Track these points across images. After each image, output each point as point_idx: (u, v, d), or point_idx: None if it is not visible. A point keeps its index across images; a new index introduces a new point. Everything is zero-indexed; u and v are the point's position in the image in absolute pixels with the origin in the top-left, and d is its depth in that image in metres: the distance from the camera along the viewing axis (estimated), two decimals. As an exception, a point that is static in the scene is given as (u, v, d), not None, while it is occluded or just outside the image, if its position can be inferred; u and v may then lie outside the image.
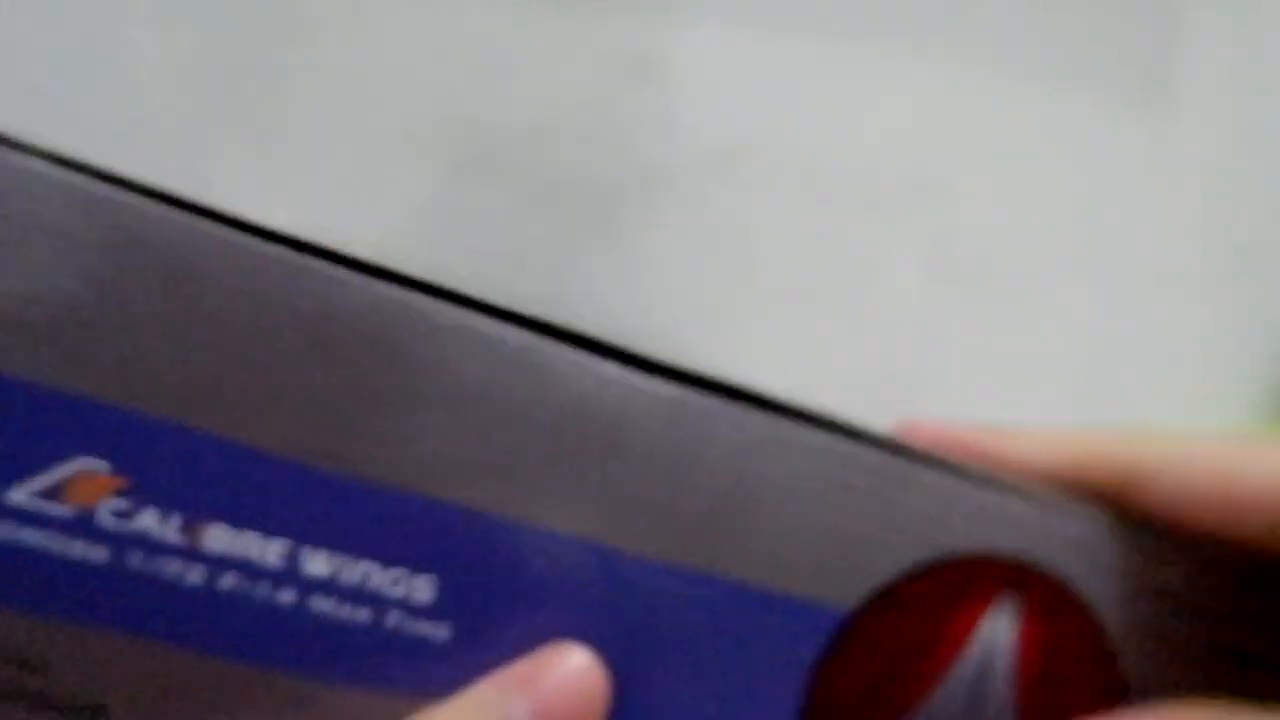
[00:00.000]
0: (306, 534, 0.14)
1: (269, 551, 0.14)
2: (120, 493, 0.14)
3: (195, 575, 0.14)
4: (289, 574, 0.14)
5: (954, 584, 0.17)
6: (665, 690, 0.16)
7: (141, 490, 0.14)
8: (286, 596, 0.14)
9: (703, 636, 0.16)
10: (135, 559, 0.14)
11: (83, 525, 0.13)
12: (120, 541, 0.14)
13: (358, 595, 0.14)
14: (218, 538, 0.14)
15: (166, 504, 0.14)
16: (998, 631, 0.17)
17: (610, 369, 0.15)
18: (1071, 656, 0.17)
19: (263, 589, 0.14)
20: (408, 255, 0.40)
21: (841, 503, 0.16)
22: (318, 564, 0.14)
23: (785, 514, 0.16)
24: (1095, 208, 0.52)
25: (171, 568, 0.14)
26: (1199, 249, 0.55)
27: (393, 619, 0.15)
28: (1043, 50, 0.49)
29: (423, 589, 0.15)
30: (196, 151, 0.35)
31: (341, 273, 0.14)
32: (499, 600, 0.15)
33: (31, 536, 0.13)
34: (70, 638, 0.14)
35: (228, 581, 0.14)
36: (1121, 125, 0.52)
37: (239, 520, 0.14)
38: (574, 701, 0.15)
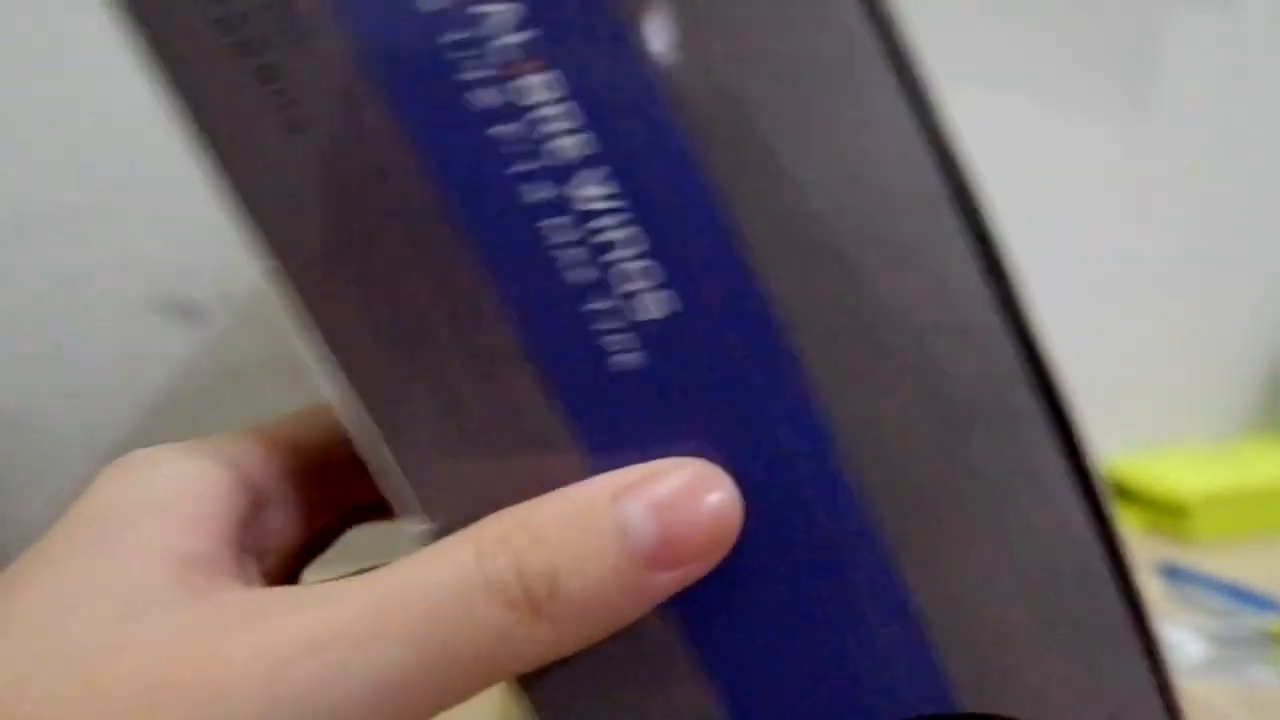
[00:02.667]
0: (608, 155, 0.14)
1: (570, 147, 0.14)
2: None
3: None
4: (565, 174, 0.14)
5: None
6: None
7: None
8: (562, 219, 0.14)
9: None
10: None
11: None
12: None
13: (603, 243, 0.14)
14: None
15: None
16: None
17: None
18: None
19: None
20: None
21: None
22: (592, 187, 0.14)
23: None
24: (1080, 212, 0.53)
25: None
26: (1183, 251, 0.56)
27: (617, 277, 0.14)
28: (1027, 58, 0.50)
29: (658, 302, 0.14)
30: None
31: None
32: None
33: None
34: None
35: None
36: (1105, 131, 0.52)
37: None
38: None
